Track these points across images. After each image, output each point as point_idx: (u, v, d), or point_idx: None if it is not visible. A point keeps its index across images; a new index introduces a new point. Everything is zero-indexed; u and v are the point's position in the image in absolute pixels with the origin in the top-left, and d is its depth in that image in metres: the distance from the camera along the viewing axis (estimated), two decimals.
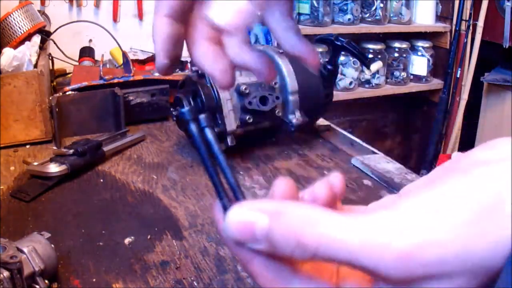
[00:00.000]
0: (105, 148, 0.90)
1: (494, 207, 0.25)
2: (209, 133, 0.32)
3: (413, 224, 0.26)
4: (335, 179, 0.35)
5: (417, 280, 0.26)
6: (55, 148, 0.94)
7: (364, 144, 1.01)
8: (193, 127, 0.32)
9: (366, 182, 0.86)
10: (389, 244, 0.26)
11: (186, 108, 0.32)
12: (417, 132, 3.03)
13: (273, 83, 0.91)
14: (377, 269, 0.26)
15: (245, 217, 0.28)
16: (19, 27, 1.15)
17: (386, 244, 0.26)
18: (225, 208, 0.31)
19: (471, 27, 2.55)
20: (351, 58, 2.38)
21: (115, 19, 1.98)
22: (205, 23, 0.39)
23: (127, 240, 0.66)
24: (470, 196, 0.26)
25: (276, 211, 0.28)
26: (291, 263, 0.31)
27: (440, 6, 2.69)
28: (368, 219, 0.27)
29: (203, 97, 0.87)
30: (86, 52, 1.45)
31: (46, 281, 0.54)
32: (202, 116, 0.32)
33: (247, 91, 0.88)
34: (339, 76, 2.41)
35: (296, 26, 0.42)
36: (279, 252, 0.28)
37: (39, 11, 1.32)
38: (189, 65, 1.24)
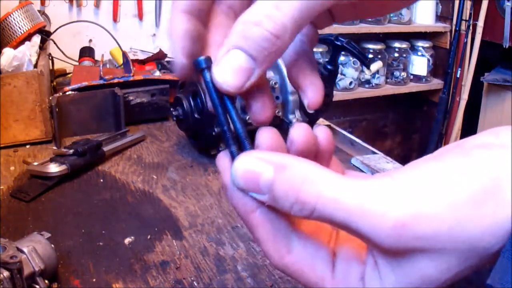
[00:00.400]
0: (105, 148, 0.90)
1: (493, 190, 0.25)
2: None
3: (411, 195, 0.26)
4: (319, 130, 0.34)
5: (408, 252, 0.26)
6: (55, 148, 0.94)
7: (364, 144, 1.01)
8: (207, 75, 0.32)
9: None
10: (385, 212, 0.26)
11: (202, 57, 0.32)
12: (417, 132, 3.03)
13: (273, 83, 0.91)
14: (371, 235, 0.26)
15: (252, 166, 0.28)
16: (19, 27, 1.15)
17: (383, 212, 0.26)
18: (233, 156, 0.31)
19: (471, 27, 2.55)
20: (351, 58, 2.38)
21: (115, 19, 1.98)
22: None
23: (127, 240, 0.66)
24: (470, 175, 0.26)
25: (282, 164, 0.28)
26: (292, 221, 0.31)
27: (440, 6, 2.69)
28: (368, 184, 0.27)
29: (203, 97, 0.87)
30: (86, 52, 1.45)
31: (46, 281, 0.54)
32: None
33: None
34: (339, 76, 2.41)
35: (312, 57, 0.38)
36: (279, 206, 0.28)
37: (39, 11, 1.32)
38: None
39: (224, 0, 0.36)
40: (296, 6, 0.29)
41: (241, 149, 0.32)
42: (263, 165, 0.28)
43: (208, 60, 0.32)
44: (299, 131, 0.32)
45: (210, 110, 0.33)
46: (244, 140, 0.32)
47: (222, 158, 0.33)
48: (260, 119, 0.34)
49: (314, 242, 0.31)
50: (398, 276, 0.27)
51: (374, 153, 0.98)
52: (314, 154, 0.34)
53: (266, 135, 0.31)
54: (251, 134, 0.32)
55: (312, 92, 0.36)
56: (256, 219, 0.30)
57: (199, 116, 0.88)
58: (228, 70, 0.30)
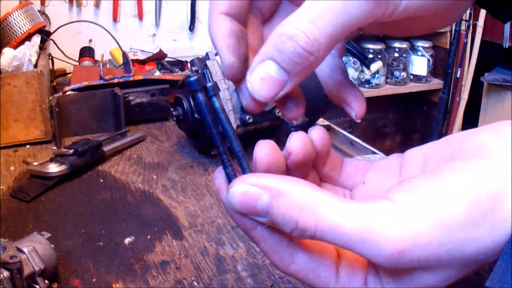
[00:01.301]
0: (105, 148, 0.90)
1: (491, 208, 0.25)
2: (216, 102, 0.33)
3: (409, 220, 0.26)
4: (314, 133, 0.34)
5: (409, 271, 0.27)
6: (55, 148, 0.94)
7: (364, 144, 1.01)
8: (200, 96, 0.32)
9: None
10: (384, 238, 0.26)
11: (194, 78, 0.32)
12: (417, 132, 3.03)
13: None
14: (371, 259, 0.27)
15: (248, 193, 0.29)
16: (19, 27, 1.15)
17: (381, 238, 0.26)
18: (229, 178, 0.32)
19: (471, 27, 2.55)
20: (351, 58, 2.38)
21: (115, 19, 1.98)
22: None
23: (127, 240, 0.66)
24: (468, 195, 0.26)
25: (278, 190, 0.28)
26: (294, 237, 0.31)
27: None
28: (365, 207, 0.27)
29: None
30: (86, 52, 1.45)
31: (46, 281, 0.54)
32: (210, 85, 0.32)
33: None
34: None
35: (344, 68, 0.39)
36: (279, 228, 0.29)
37: (39, 11, 1.32)
38: (189, 65, 1.24)
39: (253, 0, 0.36)
40: (332, 23, 0.29)
41: (240, 166, 0.32)
42: (259, 191, 0.28)
43: (200, 81, 0.32)
44: (295, 141, 0.33)
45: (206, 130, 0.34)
46: (242, 160, 0.32)
47: (218, 178, 0.33)
48: (293, 116, 0.35)
49: (318, 250, 0.31)
50: (398, 284, 0.28)
51: (374, 153, 0.98)
52: (313, 159, 0.34)
53: (263, 152, 0.31)
54: (249, 135, 0.32)
55: (358, 105, 0.37)
56: (257, 235, 0.31)
57: (199, 116, 0.88)
58: (261, 80, 0.30)
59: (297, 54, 0.29)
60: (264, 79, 0.30)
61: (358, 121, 0.38)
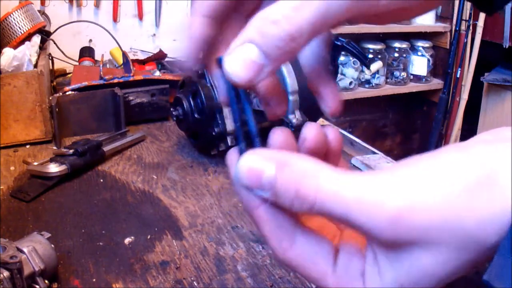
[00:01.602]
0: (105, 148, 0.90)
1: (488, 182, 0.25)
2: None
3: (407, 187, 0.26)
4: (328, 130, 0.36)
5: (406, 244, 0.27)
6: (55, 148, 0.94)
7: (364, 144, 1.01)
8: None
9: None
10: (382, 203, 0.26)
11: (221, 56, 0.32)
12: (417, 132, 3.03)
13: None
14: (369, 227, 0.27)
15: (255, 164, 0.29)
16: (19, 27, 1.15)
17: (379, 203, 0.26)
18: (241, 153, 0.32)
19: (471, 27, 2.55)
20: (351, 58, 2.38)
21: (115, 19, 1.98)
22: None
23: (127, 240, 0.66)
24: (466, 168, 0.26)
25: (283, 161, 0.29)
26: (296, 218, 0.31)
27: (440, 6, 2.69)
28: (366, 178, 0.27)
29: (203, 97, 0.87)
30: (86, 52, 1.45)
31: (46, 281, 0.54)
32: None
33: (247, 90, 0.88)
34: (339, 76, 2.41)
35: (327, 61, 0.39)
36: (281, 202, 0.29)
37: (39, 11, 1.32)
38: None
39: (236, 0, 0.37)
40: (316, 11, 0.29)
41: (252, 146, 0.32)
42: (265, 163, 0.29)
43: None
44: (311, 129, 0.34)
45: (223, 104, 0.35)
46: (254, 138, 0.33)
47: (232, 154, 0.33)
48: (276, 113, 0.36)
49: (318, 237, 0.31)
50: (396, 271, 0.28)
51: (374, 153, 0.98)
52: (324, 153, 0.35)
53: (279, 134, 0.33)
54: (266, 132, 0.33)
55: (333, 101, 0.38)
56: (260, 215, 0.31)
57: (199, 116, 0.88)
58: (240, 62, 0.30)
59: (279, 38, 0.29)
60: (244, 61, 0.30)
61: (333, 120, 0.39)
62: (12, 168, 0.86)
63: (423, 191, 0.26)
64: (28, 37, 1.15)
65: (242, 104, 0.33)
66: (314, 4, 0.30)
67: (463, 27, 2.56)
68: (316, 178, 0.28)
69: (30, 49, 1.06)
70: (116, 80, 1.06)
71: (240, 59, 0.30)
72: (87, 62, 1.40)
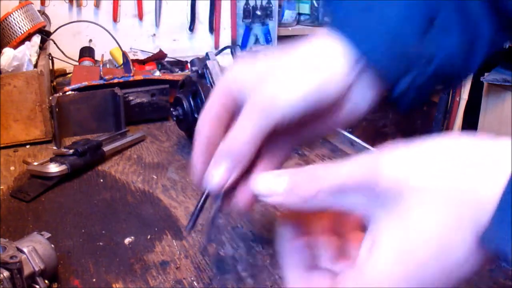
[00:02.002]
0: (105, 148, 0.90)
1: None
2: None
3: (401, 156, 0.32)
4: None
5: (404, 198, 0.30)
6: (55, 148, 0.94)
7: (364, 144, 1.01)
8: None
9: None
10: (380, 156, 0.32)
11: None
12: (417, 132, 3.03)
13: None
14: (370, 177, 0.32)
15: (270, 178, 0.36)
16: (19, 27, 1.15)
17: (379, 157, 0.32)
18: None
19: None
20: None
21: (115, 19, 1.98)
22: None
23: (127, 240, 0.66)
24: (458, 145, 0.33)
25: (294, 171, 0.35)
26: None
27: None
28: (354, 159, 0.33)
29: (203, 97, 0.87)
30: (86, 52, 1.45)
31: (46, 281, 0.54)
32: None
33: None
34: None
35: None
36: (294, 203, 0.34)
37: (39, 11, 1.32)
38: (189, 65, 1.24)
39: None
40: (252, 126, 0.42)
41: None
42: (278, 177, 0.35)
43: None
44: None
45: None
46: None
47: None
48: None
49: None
50: (394, 238, 0.30)
51: None
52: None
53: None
54: None
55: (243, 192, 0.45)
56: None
57: (199, 116, 0.88)
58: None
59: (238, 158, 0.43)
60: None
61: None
62: (12, 168, 0.86)
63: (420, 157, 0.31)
64: (28, 37, 1.15)
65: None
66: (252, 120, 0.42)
67: None
68: (316, 176, 0.33)
69: (30, 49, 1.06)
70: (116, 80, 1.06)
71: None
72: (87, 62, 1.40)
